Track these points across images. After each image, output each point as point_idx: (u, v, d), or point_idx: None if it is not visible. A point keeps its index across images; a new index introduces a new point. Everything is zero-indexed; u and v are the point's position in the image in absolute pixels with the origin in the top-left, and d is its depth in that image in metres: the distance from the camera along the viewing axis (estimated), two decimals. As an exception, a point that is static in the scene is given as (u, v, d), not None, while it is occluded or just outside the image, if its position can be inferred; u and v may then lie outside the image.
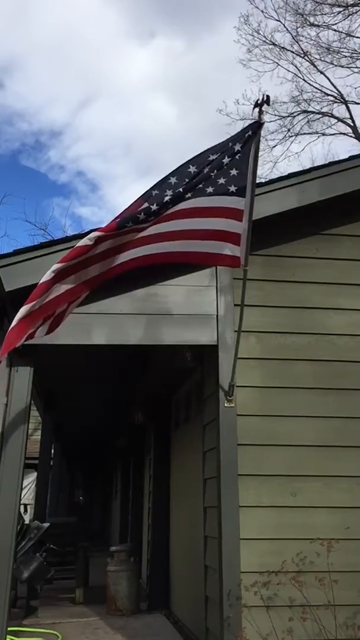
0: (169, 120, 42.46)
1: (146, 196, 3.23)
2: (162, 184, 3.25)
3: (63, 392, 8.02)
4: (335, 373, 4.43)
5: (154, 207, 3.19)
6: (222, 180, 3.33)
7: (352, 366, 4.45)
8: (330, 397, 4.37)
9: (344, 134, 19.52)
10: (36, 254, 4.15)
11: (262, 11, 19.09)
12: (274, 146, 19.94)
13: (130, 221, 3.18)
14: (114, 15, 40.63)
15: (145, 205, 3.19)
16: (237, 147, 3.31)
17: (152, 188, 3.25)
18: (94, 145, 48.60)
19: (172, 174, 3.27)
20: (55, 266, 3.16)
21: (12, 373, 4.20)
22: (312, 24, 18.37)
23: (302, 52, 18.96)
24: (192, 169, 3.27)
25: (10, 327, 3.15)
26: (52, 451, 10.79)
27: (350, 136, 19.40)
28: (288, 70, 19.50)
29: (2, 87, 43.48)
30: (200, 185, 3.29)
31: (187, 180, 3.25)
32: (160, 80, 42.15)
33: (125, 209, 3.23)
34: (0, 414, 4.10)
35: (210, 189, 3.32)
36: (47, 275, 3.16)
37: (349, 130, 19.33)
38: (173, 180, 3.25)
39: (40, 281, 3.17)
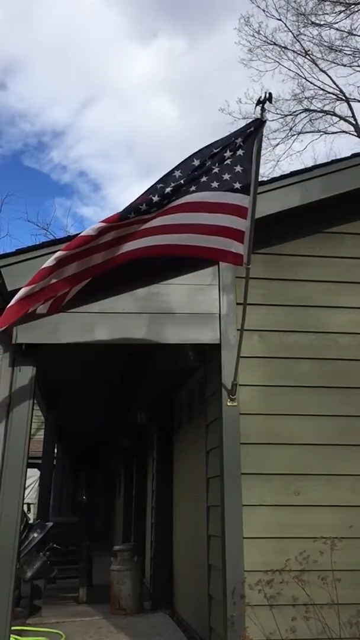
0: (170, 120, 42.48)
1: (151, 190, 3.26)
2: (166, 178, 3.27)
3: (65, 392, 8.02)
4: (338, 372, 4.42)
5: (155, 198, 3.23)
6: (227, 177, 3.33)
7: (354, 365, 4.44)
8: (333, 395, 4.36)
9: (346, 132, 19.52)
10: (38, 254, 4.15)
11: (264, 10, 19.01)
12: (276, 145, 19.95)
13: (133, 212, 3.22)
14: (116, 16, 40.64)
15: (149, 197, 3.23)
16: (239, 142, 3.31)
17: (157, 182, 3.28)
18: (96, 145, 48.67)
19: (177, 167, 3.29)
20: (58, 253, 3.24)
21: (14, 372, 4.20)
22: (313, 23, 18.36)
23: (303, 51, 18.93)
24: (195, 162, 3.29)
25: (8, 305, 3.23)
26: (55, 451, 10.79)
27: (353, 134, 19.37)
28: (289, 69, 19.51)
29: (4, 88, 43.51)
30: (205, 179, 3.31)
31: (189, 172, 3.27)
32: (162, 81, 42.19)
33: (130, 203, 3.26)
34: (3, 413, 4.10)
35: (215, 184, 3.33)
36: (49, 262, 3.23)
37: (351, 128, 19.33)
38: (177, 173, 3.27)
39: (42, 266, 3.24)
